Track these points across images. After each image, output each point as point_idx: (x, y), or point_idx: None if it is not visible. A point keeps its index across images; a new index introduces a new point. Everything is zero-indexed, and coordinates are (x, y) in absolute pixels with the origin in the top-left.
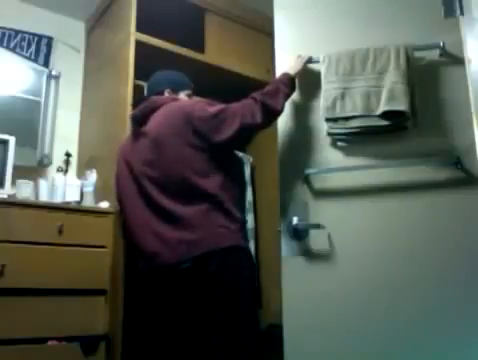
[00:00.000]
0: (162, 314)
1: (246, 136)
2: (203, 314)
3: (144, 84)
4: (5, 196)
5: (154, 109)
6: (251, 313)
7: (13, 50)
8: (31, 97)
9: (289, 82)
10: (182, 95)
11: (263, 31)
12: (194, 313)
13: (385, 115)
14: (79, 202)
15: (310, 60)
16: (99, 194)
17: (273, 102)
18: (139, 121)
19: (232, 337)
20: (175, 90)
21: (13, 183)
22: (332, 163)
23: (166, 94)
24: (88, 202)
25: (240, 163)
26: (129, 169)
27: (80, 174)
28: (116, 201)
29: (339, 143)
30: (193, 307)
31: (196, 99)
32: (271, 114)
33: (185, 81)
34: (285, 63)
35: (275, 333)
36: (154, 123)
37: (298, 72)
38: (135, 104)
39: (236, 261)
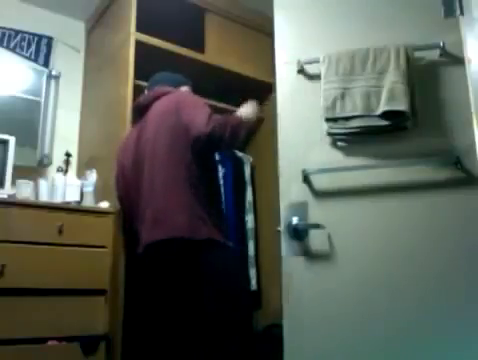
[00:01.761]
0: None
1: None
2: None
3: (144, 84)
4: (5, 196)
5: (156, 98)
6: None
7: (13, 50)
8: (31, 97)
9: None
10: (183, 88)
11: (263, 31)
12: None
13: (385, 115)
14: (79, 202)
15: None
16: (99, 194)
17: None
18: (141, 110)
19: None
20: (176, 87)
21: (13, 183)
22: (332, 163)
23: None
24: (88, 202)
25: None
26: (132, 163)
27: (80, 174)
28: (117, 201)
29: (339, 143)
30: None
31: (191, 96)
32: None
33: (184, 79)
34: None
35: (275, 333)
36: (155, 111)
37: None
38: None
39: (210, 253)
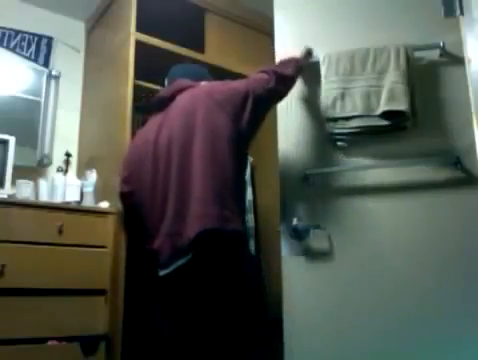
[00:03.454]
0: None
1: (265, 106)
2: None
3: (144, 84)
4: (5, 196)
5: (180, 90)
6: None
7: (13, 50)
8: (31, 97)
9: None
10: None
11: (263, 31)
12: None
13: (385, 115)
14: (79, 202)
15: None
16: (99, 194)
17: (284, 69)
18: (162, 102)
19: None
20: (197, 81)
21: (13, 183)
22: (332, 163)
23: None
24: (88, 202)
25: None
26: (152, 156)
27: (80, 174)
28: (120, 199)
29: (339, 143)
30: None
31: (215, 82)
32: (285, 79)
33: (205, 72)
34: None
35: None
36: (180, 105)
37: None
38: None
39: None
